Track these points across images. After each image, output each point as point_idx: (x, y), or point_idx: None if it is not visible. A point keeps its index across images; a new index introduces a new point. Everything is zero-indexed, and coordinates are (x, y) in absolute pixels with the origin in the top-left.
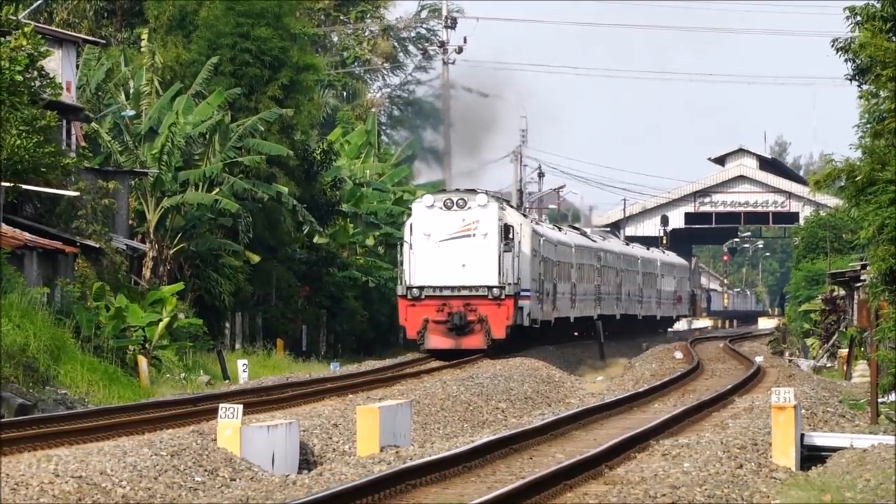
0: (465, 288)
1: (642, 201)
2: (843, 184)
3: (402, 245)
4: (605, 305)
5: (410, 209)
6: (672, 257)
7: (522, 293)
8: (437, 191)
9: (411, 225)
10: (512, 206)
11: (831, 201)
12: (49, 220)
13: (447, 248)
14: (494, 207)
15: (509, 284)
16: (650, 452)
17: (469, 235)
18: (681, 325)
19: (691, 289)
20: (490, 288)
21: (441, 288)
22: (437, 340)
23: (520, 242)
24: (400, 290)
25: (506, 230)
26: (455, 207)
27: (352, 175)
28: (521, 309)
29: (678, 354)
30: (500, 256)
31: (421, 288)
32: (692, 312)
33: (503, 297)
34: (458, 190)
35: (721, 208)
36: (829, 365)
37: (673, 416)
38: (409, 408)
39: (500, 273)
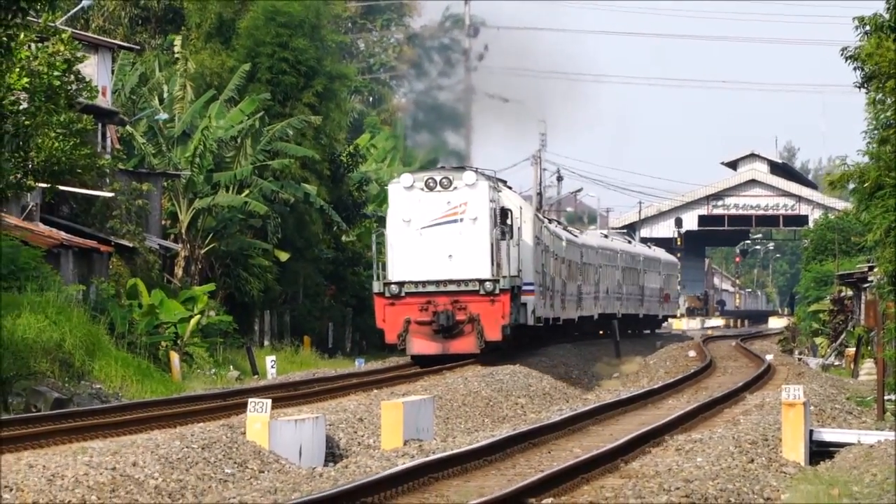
0: (452, 282)
1: (657, 204)
2: (854, 186)
3: (377, 234)
4: (586, 306)
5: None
6: (658, 252)
7: (525, 287)
8: (418, 169)
9: (389, 211)
10: (510, 188)
11: (840, 205)
12: (85, 219)
13: (430, 237)
14: (485, 187)
15: (505, 277)
16: (664, 447)
17: (455, 220)
18: (695, 324)
19: (704, 288)
20: (482, 282)
21: (424, 283)
22: (422, 345)
23: (519, 229)
24: (376, 287)
25: (502, 214)
26: (438, 188)
27: (378, 178)
28: (524, 306)
29: (691, 353)
30: (492, 244)
31: (401, 284)
32: (705, 311)
33: (497, 292)
34: (442, 168)
35: (733, 211)
36: (836, 363)
37: (686, 412)
38: (431, 403)
39: (493, 264)
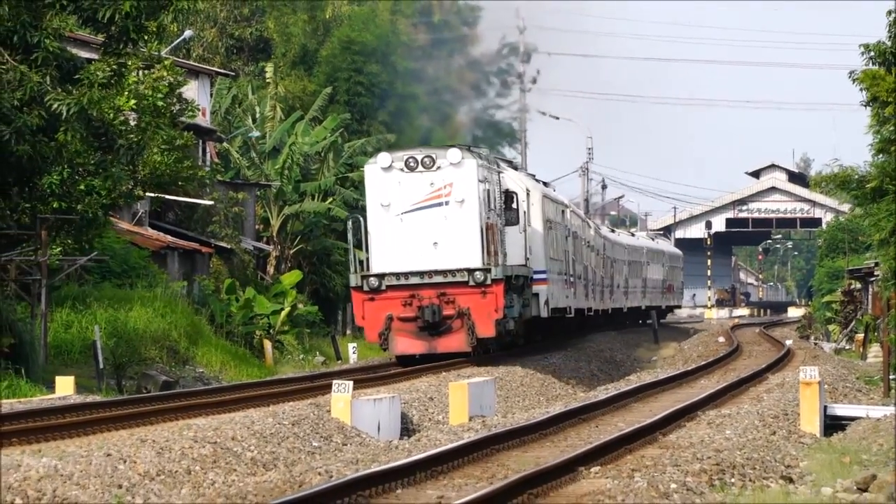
0: (438, 273)
1: (690, 209)
2: (832, 185)
3: (352, 222)
4: (605, 298)
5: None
6: (662, 244)
7: (536, 276)
8: (399, 148)
9: (366, 195)
10: (515, 168)
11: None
12: (188, 225)
13: (412, 223)
14: (472, 166)
15: (499, 266)
16: (697, 421)
17: (440, 204)
18: (723, 314)
19: (731, 282)
20: (471, 271)
21: (407, 275)
22: (406, 344)
23: (525, 213)
24: (353, 281)
25: (506, 198)
26: (420, 168)
27: None
28: (535, 296)
29: (721, 339)
30: (483, 229)
31: (380, 276)
32: (732, 302)
33: (489, 282)
34: (427, 146)
35: (756, 215)
36: (847, 347)
37: (716, 390)
38: (493, 384)
39: (483, 251)
